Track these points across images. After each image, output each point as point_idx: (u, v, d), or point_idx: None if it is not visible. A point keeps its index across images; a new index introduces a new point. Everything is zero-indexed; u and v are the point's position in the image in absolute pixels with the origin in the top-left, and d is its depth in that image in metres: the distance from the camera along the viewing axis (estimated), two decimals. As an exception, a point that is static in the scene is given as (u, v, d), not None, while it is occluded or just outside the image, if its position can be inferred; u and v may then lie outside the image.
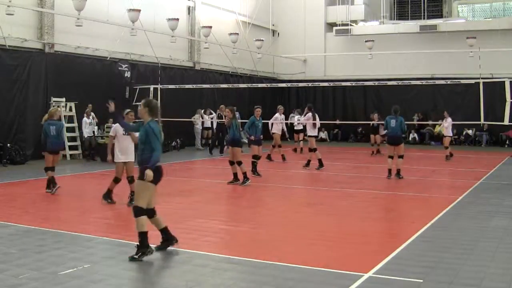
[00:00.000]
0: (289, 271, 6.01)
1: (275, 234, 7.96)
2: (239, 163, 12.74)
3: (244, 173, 12.74)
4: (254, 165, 14.31)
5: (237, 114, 14.67)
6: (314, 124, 16.25)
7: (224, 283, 5.59)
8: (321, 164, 15.97)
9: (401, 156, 13.86)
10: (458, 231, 8.06)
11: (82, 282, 5.57)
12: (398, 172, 13.77)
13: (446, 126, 19.10)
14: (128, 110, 9.67)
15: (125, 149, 9.79)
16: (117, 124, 9.47)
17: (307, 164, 16.21)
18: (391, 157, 13.87)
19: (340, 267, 6.11)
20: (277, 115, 19.20)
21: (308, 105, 17.22)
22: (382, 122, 20.70)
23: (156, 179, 6.55)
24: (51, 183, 11.22)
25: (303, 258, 6.46)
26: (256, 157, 14.36)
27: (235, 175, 12.84)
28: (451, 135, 19.39)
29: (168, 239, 6.76)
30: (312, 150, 16.17)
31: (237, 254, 6.68)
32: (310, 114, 16.35)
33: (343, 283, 5.54)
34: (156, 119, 6.62)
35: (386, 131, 14.45)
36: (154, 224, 6.70)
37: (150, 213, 6.63)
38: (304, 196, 11.83)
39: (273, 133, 18.84)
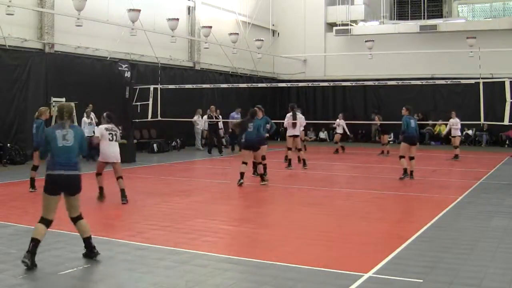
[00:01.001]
0: (289, 271, 6.01)
1: (275, 234, 7.96)
2: (243, 162, 12.82)
3: (241, 173, 12.73)
4: (254, 165, 14.32)
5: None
6: (294, 124, 16.10)
7: (224, 283, 5.58)
8: (289, 164, 16.12)
9: (413, 157, 13.84)
10: (458, 231, 8.05)
11: (82, 282, 5.57)
12: (411, 174, 13.74)
13: (458, 127, 19.15)
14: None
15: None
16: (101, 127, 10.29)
17: (304, 164, 16.22)
18: (403, 157, 13.77)
19: (340, 267, 6.11)
20: (288, 115, 18.88)
21: (290, 104, 17.18)
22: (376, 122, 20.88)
23: (46, 189, 6.20)
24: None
25: (303, 258, 6.46)
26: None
27: (262, 175, 12.95)
28: (459, 134, 19.48)
29: (87, 250, 6.39)
30: (289, 149, 16.22)
31: (237, 254, 6.67)
32: (290, 113, 16.23)
33: (343, 283, 5.54)
34: (63, 121, 6.31)
35: (403, 131, 13.93)
36: (77, 230, 6.48)
37: (73, 220, 6.45)
38: (304, 196, 11.82)
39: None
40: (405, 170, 13.72)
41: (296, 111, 16.41)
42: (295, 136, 16.15)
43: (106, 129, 10.17)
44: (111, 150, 10.17)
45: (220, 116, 23.63)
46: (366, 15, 30.09)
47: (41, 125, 11.29)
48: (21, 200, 10.69)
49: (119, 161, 10.36)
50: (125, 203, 10.05)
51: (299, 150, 16.37)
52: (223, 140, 24.63)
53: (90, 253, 6.36)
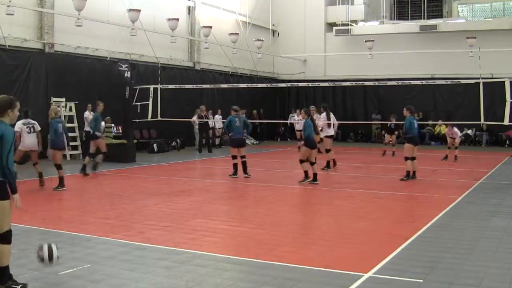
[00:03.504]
0: (289, 271, 6.01)
1: (275, 234, 7.95)
2: (313, 163, 13.08)
3: (314, 174, 12.96)
4: (244, 165, 14.31)
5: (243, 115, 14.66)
6: (329, 124, 16.14)
7: (224, 283, 5.59)
8: (328, 166, 16.00)
9: (415, 158, 13.81)
10: (458, 231, 8.05)
11: (82, 282, 5.57)
12: (414, 174, 13.71)
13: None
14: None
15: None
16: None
17: (328, 166, 16.05)
18: (408, 158, 13.63)
19: (340, 267, 6.11)
20: (323, 115, 18.37)
21: (323, 104, 17.15)
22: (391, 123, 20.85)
23: None
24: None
25: (303, 258, 6.46)
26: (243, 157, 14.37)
27: (306, 173, 13.04)
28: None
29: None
30: (327, 150, 16.17)
31: (237, 254, 6.67)
32: (324, 113, 16.29)
33: (343, 283, 5.54)
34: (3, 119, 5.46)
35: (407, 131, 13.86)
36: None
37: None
38: (304, 196, 11.83)
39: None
40: (408, 172, 13.66)
41: (328, 111, 16.46)
42: (330, 137, 16.31)
43: (24, 123, 11.84)
44: (30, 140, 11.92)
45: (221, 116, 23.64)
46: (366, 15, 30.09)
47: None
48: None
49: (36, 149, 12.11)
50: (42, 186, 11.96)
51: (327, 151, 16.26)
52: (217, 139, 24.60)
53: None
